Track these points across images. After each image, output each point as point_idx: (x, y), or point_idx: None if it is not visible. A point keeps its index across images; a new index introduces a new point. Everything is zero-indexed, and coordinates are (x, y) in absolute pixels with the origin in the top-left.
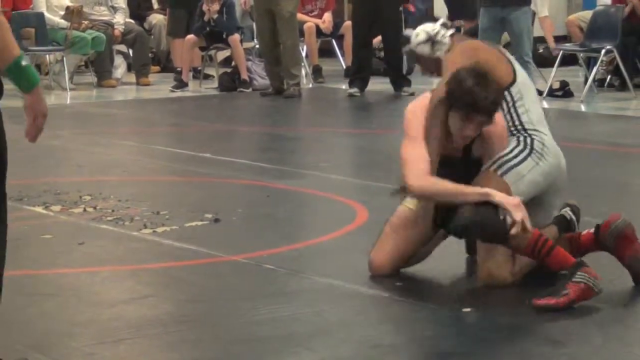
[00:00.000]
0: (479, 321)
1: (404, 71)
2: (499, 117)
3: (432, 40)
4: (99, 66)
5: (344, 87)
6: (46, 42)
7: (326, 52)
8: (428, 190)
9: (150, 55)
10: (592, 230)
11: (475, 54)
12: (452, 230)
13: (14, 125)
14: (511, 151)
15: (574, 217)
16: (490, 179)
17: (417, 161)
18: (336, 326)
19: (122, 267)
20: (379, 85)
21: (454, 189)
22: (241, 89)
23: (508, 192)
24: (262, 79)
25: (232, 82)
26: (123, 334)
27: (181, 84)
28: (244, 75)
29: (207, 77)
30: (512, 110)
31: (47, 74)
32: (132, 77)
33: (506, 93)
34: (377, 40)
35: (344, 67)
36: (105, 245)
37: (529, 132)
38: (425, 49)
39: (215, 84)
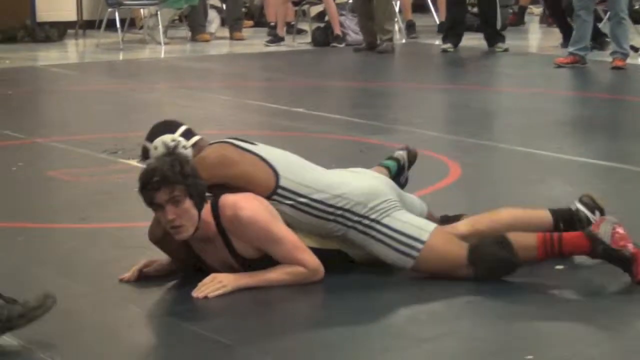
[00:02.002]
0: None
1: (498, 27)
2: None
3: (171, 154)
4: (192, 20)
5: (437, 42)
6: None
7: (420, 7)
8: None
9: (243, 9)
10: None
11: (227, 170)
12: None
13: (110, 79)
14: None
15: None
16: None
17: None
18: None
19: None
20: (472, 40)
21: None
22: (334, 44)
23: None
24: (355, 34)
25: (325, 37)
26: None
27: (276, 39)
28: (337, 30)
29: (300, 32)
30: (303, 202)
31: (141, 28)
32: (226, 32)
33: (283, 192)
34: None
35: (438, 22)
36: None
37: (329, 206)
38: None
39: (309, 39)
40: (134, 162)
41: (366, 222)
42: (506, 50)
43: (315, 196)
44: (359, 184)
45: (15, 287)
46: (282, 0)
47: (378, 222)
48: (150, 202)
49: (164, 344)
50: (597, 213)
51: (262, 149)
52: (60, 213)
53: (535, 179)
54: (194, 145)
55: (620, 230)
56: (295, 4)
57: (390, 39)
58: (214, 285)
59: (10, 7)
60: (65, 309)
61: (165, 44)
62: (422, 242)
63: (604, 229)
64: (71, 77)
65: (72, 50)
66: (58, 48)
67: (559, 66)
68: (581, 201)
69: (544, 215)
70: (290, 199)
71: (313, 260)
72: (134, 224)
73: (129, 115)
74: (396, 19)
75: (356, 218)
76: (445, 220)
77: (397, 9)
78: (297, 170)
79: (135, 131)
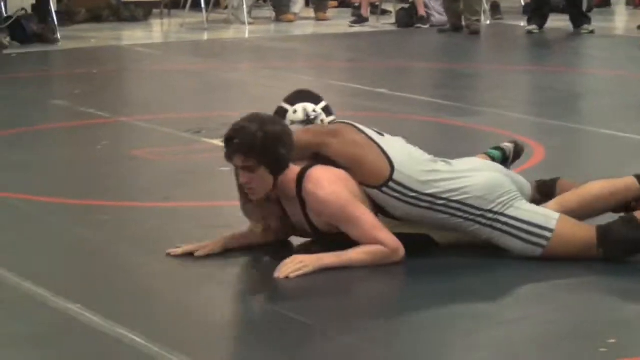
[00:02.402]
0: None
1: (584, 8)
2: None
3: (308, 122)
4: (277, 1)
5: (522, 24)
6: None
7: None
8: None
9: None
10: None
11: (350, 150)
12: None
13: (194, 59)
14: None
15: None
16: None
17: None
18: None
19: None
20: (558, 22)
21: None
22: (418, 25)
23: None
24: (439, 15)
25: (409, 18)
26: None
27: (360, 19)
28: (422, 11)
29: (384, 12)
30: (412, 196)
31: (226, 7)
32: (310, 12)
33: (394, 185)
34: None
35: (523, 3)
36: None
37: (450, 201)
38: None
39: (393, 20)
40: (217, 142)
41: (490, 215)
42: (592, 32)
43: (428, 191)
44: (480, 178)
45: (98, 264)
46: None
47: (502, 215)
48: (229, 159)
49: (242, 323)
50: None
51: (386, 141)
52: (143, 192)
53: (619, 162)
54: (330, 123)
55: None
56: None
57: (479, 20)
58: (295, 265)
59: None
60: (145, 287)
61: (250, 24)
62: (550, 230)
63: None
64: (155, 56)
65: (156, 30)
66: (143, 27)
67: None
68: None
69: (631, 182)
70: (400, 192)
71: (392, 240)
72: (216, 203)
73: (213, 95)
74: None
75: (478, 212)
76: (541, 185)
77: None
78: (414, 165)
79: (218, 111)
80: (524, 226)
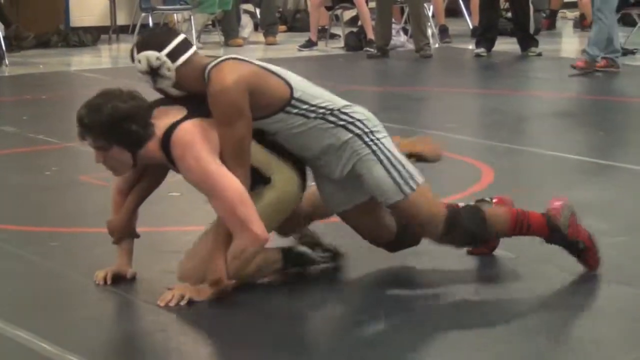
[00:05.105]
0: None
1: (532, 31)
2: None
3: (154, 73)
4: (226, 25)
5: (470, 47)
6: (174, 0)
7: (453, 11)
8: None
9: (277, 14)
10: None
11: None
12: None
13: (143, 84)
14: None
15: None
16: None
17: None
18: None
19: None
20: (506, 45)
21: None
22: (367, 49)
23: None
24: (395, 38)
25: (358, 41)
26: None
27: (309, 43)
28: (370, 35)
29: (333, 36)
30: (313, 110)
31: None
32: (259, 37)
33: (296, 102)
34: None
35: (471, 27)
36: None
37: (342, 113)
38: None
39: (342, 44)
40: None
41: (372, 137)
42: (539, 54)
43: (326, 105)
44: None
45: (48, 291)
46: (316, 5)
47: (382, 143)
48: (81, 139)
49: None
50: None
51: (268, 65)
52: (92, 217)
53: (567, 183)
54: (184, 63)
55: (575, 219)
56: (328, 8)
57: (428, 43)
58: (175, 299)
59: (44, 12)
60: (95, 314)
61: (199, 48)
62: (417, 183)
63: (564, 218)
64: (104, 81)
65: (105, 55)
66: (91, 53)
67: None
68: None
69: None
70: (302, 109)
71: (259, 226)
72: (166, 228)
73: None
74: (429, 24)
75: (366, 129)
76: None
77: (430, 14)
78: (306, 84)
79: None
80: (399, 166)
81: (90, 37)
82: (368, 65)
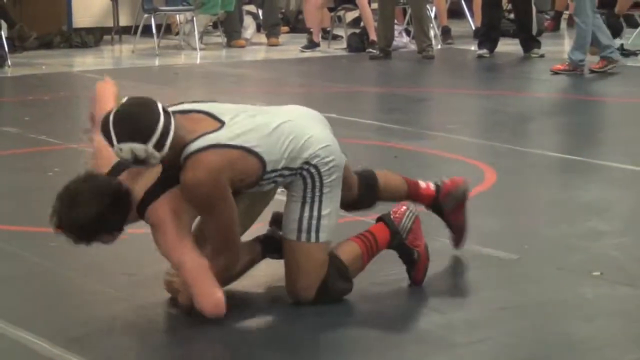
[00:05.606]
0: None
1: (534, 32)
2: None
3: (139, 162)
4: (228, 26)
5: (473, 48)
6: (176, 2)
7: (455, 13)
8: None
9: (279, 15)
10: (433, 187)
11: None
12: None
13: (146, 85)
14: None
15: None
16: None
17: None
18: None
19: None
20: (508, 46)
21: None
22: (369, 50)
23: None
24: (398, 39)
25: (360, 42)
26: None
27: (311, 44)
28: (373, 36)
29: (335, 37)
30: (278, 175)
31: (177, 34)
32: (262, 38)
33: (268, 175)
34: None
35: (473, 28)
36: None
37: (305, 163)
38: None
39: (344, 45)
40: None
41: (316, 192)
42: (542, 56)
43: (288, 163)
44: (321, 135)
45: (48, 291)
46: (318, 6)
47: (320, 201)
48: None
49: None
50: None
51: (239, 133)
52: None
53: (569, 184)
54: (170, 147)
55: (417, 226)
56: (330, 9)
57: (431, 45)
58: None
59: (46, 13)
60: (96, 314)
61: (201, 49)
62: (318, 240)
63: (405, 222)
64: None
65: (107, 56)
66: (94, 54)
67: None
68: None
69: (401, 184)
70: (272, 178)
71: (209, 301)
72: None
73: None
74: (431, 25)
75: (317, 183)
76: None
77: (432, 15)
78: (274, 144)
79: None
80: (315, 214)
81: (93, 38)
82: (370, 66)
